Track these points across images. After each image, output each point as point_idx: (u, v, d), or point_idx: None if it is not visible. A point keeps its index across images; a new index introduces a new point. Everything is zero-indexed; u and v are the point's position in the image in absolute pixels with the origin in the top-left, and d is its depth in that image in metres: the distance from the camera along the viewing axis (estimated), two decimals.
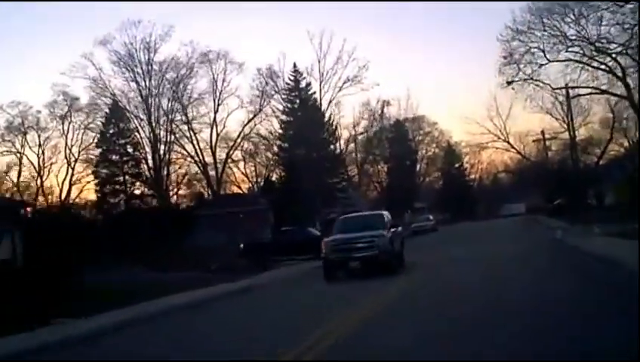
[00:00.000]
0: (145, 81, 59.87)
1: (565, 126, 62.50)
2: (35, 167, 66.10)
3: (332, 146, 63.14)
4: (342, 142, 77.43)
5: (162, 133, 59.62)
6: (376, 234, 22.61)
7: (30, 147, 65.86)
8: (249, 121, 63.84)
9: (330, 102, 65.27)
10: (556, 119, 63.25)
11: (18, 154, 65.54)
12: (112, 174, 57.07)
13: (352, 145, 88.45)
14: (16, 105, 63.82)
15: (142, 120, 59.02)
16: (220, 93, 64.15)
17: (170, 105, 59.88)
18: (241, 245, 37.73)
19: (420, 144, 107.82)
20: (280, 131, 61.72)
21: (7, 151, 64.81)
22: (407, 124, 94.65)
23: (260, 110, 63.03)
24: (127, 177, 57.34)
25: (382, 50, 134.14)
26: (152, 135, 58.13)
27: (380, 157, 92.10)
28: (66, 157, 64.83)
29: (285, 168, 56.49)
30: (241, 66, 64.19)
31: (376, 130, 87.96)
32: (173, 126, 60.55)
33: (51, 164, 66.60)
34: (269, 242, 38.41)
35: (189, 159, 63.80)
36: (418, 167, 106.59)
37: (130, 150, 57.90)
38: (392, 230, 24.41)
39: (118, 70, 60.27)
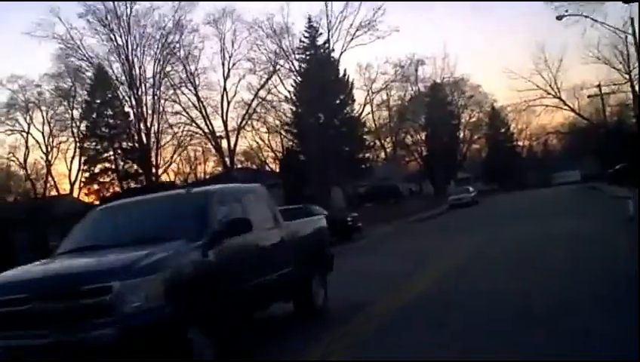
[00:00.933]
0: (124, 38, 50.91)
1: (627, 77, 53.23)
2: (42, 148, 58.85)
3: (348, 108, 54.02)
4: (368, 106, 68.46)
5: (150, 100, 51.19)
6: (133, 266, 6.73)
7: (35, 125, 58.83)
8: (262, 85, 55.26)
9: (341, 54, 54.75)
10: (616, 69, 53.83)
11: (24, 134, 58.52)
12: (101, 151, 50.05)
13: (384, 112, 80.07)
14: (15, 81, 56.44)
15: (122, 84, 50.68)
16: (230, 57, 55.97)
17: (156, 65, 51.30)
18: None
19: (463, 109, 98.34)
20: (293, 94, 52.90)
21: (10, 130, 57.76)
22: (446, 88, 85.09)
23: (274, 72, 54.49)
24: (118, 153, 50.17)
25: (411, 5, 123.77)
26: (135, 102, 49.97)
27: (418, 124, 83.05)
28: (73, 135, 57.19)
29: (297, 136, 48.40)
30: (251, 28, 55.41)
31: (412, 94, 79.01)
32: (162, 91, 51.84)
33: (60, 143, 59.10)
34: None
35: (193, 129, 55.42)
36: (461, 134, 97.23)
37: (119, 121, 50.30)
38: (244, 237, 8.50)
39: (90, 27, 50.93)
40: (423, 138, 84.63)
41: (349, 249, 25.38)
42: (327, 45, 54.24)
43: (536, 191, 68.26)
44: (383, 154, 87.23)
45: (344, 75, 52.65)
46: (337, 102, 48.97)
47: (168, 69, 52.10)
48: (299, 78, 52.47)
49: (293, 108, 52.29)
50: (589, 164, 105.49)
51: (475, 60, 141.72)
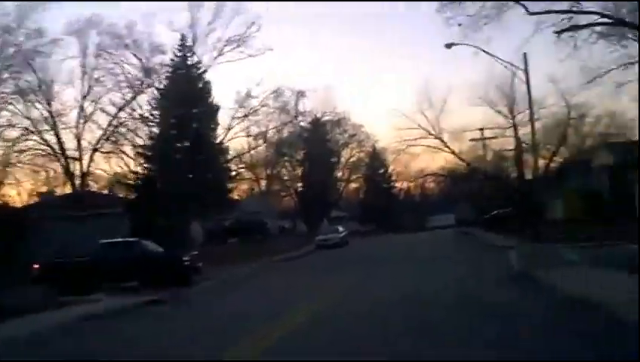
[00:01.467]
0: None
1: (511, 122, 51.50)
2: None
3: (212, 134, 48.59)
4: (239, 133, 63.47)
5: None
6: None
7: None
8: (124, 105, 49.15)
9: (205, 71, 49.61)
10: (501, 114, 51.99)
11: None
12: None
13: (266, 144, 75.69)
14: None
15: None
16: (93, 70, 49.69)
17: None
18: (35, 265, 24.26)
19: (343, 147, 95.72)
20: (155, 116, 46.85)
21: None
22: (327, 125, 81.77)
23: (138, 93, 48.54)
24: None
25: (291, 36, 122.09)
26: None
27: (295, 159, 79.16)
28: None
29: (153, 161, 42.64)
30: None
31: (291, 127, 74.98)
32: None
33: None
34: (71, 262, 24.71)
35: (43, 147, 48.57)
36: (339, 172, 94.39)
37: None
38: None
39: None
40: (300, 173, 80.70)
41: (175, 295, 20.39)
42: (198, 64, 49.23)
43: (412, 235, 65.55)
44: (256, 188, 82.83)
45: (205, 92, 47.08)
46: (198, 125, 43.40)
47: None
48: (159, 97, 46.63)
49: (153, 131, 46.25)
50: (463, 208, 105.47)
51: (361, 97, 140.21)
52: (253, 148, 75.65)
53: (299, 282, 21.13)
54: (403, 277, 20.02)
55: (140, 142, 45.84)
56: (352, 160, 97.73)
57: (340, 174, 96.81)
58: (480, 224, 69.13)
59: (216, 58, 50.59)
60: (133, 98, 48.95)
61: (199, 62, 48.84)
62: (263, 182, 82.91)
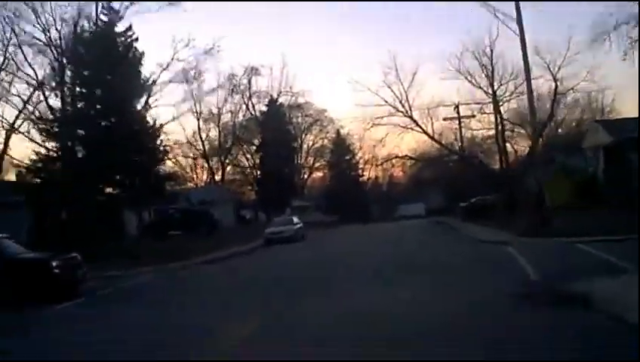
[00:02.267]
0: None
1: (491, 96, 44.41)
2: None
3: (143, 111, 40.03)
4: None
5: None
6: None
7: None
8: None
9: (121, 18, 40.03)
10: (479, 88, 44.96)
11: None
12: None
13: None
14: None
15: None
16: None
17: None
18: None
19: (306, 133, 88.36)
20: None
21: None
22: (286, 108, 74.16)
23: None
24: None
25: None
26: None
27: (252, 144, 71.69)
28: None
29: (54, 137, 34.26)
30: None
31: (246, 109, 67.49)
32: None
33: None
34: None
35: None
36: (302, 159, 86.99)
37: None
38: None
39: None
40: (257, 160, 73.08)
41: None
42: (128, 32, 41.05)
43: (380, 226, 58.23)
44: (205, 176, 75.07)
45: (134, 63, 38.55)
46: (122, 101, 34.98)
47: None
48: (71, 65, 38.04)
49: (66, 105, 37.58)
50: (434, 197, 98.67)
51: (322, 76, 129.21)
52: (205, 133, 68.37)
53: (172, 320, 13.09)
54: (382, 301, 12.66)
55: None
56: (315, 146, 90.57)
57: (302, 161, 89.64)
58: (453, 213, 62.50)
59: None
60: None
61: (129, 29, 40.57)
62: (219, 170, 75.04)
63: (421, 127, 45.22)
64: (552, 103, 43.35)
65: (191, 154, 70.98)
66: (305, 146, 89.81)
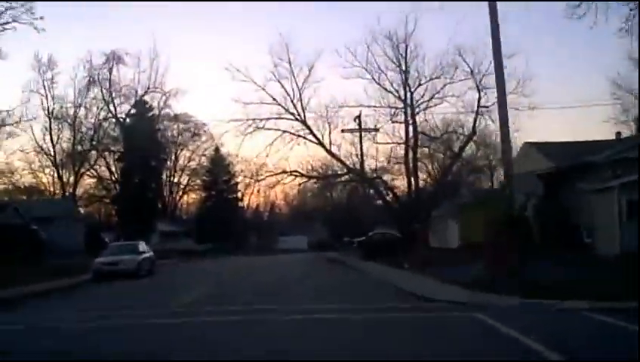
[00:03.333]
0: None
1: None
2: None
3: None
4: None
5: None
6: None
7: None
8: None
9: None
10: (389, 92, 35.62)
11: None
12: None
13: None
14: None
15: None
16: None
17: None
18: None
19: (182, 148, 76.79)
20: None
21: None
22: (156, 113, 62.18)
23: None
24: None
25: None
26: None
27: (112, 151, 59.34)
28: None
29: None
30: None
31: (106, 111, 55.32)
32: None
33: None
34: None
35: None
36: (175, 176, 75.41)
37: None
38: None
39: None
40: (117, 172, 60.59)
41: None
42: None
43: (259, 260, 47.46)
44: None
45: None
46: None
47: None
48: None
49: None
50: (319, 229, 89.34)
51: (203, 67, 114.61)
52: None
53: None
54: None
55: None
56: (191, 164, 79.04)
57: (177, 179, 77.90)
58: (340, 248, 53.18)
59: None
60: None
61: None
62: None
63: (315, 136, 35.44)
64: (474, 118, 34.69)
65: (37, 161, 57.77)
66: (180, 163, 78.32)
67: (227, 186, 74.77)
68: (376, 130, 36.51)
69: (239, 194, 78.91)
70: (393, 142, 36.11)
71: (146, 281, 25.39)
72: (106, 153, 60.27)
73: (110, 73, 56.69)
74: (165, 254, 54.10)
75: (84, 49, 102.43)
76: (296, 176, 37.26)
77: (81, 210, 73.45)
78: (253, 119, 34.87)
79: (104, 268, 26.28)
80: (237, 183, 75.86)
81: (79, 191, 65.27)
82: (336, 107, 35.78)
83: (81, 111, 57.75)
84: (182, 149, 77.10)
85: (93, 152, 58.33)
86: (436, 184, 35.43)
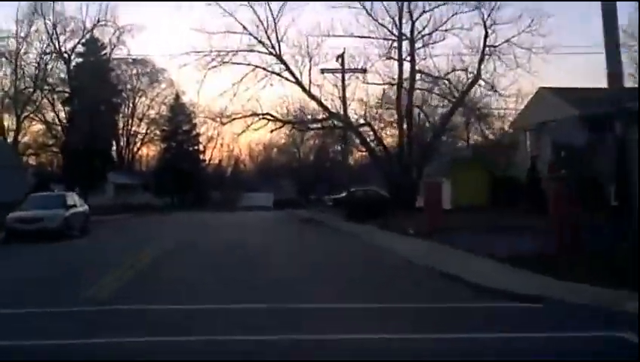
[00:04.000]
0: None
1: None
2: None
3: None
4: None
5: None
6: None
7: None
8: None
9: None
10: (381, 24, 29.41)
11: None
12: None
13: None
14: None
15: None
16: None
17: None
18: None
19: (141, 95, 69.83)
20: None
21: None
22: (110, 53, 54.70)
23: None
24: None
25: None
26: None
27: (56, 92, 52.17)
28: None
29: None
30: None
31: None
32: None
33: None
34: None
35: None
36: (132, 125, 68.72)
37: None
38: None
39: None
40: (65, 118, 53.36)
41: None
42: None
43: (220, 216, 41.37)
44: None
45: None
46: None
47: None
48: None
49: None
50: (286, 186, 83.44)
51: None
52: None
53: None
54: None
55: None
56: (150, 113, 72.12)
57: (134, 128, 71.16)
58: (309, 206, 47.34)
59: None
60: None
61: None
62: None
63: (292, 73, 29.15)
64: (480, 58, 28.80)
65: None
66: (138, 111, 71.33)
67: (188, 137, 67.86)
68: (364, 70, 30.42)
69: (201, 147, 72.17)
70: (385, 83, 30.09)
71: (72, 245, 19.27)
72: (55, 96, 52.98)
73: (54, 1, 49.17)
74: (119, 209, 47.99)
75: None
76: (268, 120, 30.79)
77: (32, 161, 66.86)
78: (219, 51, 28.54)
79: (19, 226, 20.08)
80: (199, 134, 69.20)
81: (28, 138, 58.39)
82: (319, 37, 29.48)
83: (25, 47, 50.21)
84: (140, 96, 70.12)
85: (38, 93, 50.93)
86: (432, 135, 29.54)
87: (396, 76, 29.30)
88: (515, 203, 25.50)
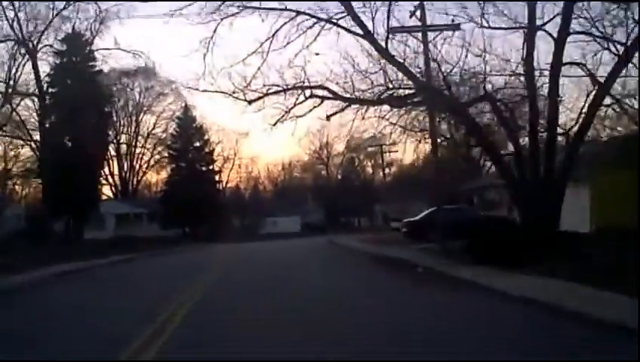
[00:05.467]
0: None
1: None
2: None
3: None
4: None
5: None
6: None
7: None
8: None
9: None
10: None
11: None
12: None
13: None
14: None
15: None
16: None
17: None
18: None
19: (146, 111, 58.93)
20: None
21: None
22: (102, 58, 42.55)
23: None
24: None
25: None
26: None
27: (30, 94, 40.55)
28: None
29: None
30: None
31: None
32: None
33: None
34: None
35: None
36: (135, 147, 57.60)
37: None
38: None
39: None
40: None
41: None
42: None
43: (239, 251, 29.11)
44: None
45: None
46: None
47: None
48: None
49: None
50: (314, 209, 71.42)
51: None
52: None
53: None
54: None
55: None
56: (157, 131, 61.00)
57: (140, 149, 60.10)
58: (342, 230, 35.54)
59: None
60: None
61: None
62: None
63: (359, 20, 16.25)
64: None
65: None
66: (143, 131, 60.19)
67: (200, 155, 55.78)
68: (457, 26, 18.27)
69: (216, 167, 60.19)
70: (510, 27, 17.17)
71: None
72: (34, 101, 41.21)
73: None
74: (117, 245, 35.62)
75: None
76: (321, 98, 17.67)
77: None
78: None
79: None
80: (213, 151, 57.39)
81: (16, 165, 46.94)
82: None
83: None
84: (145, 113, 58.95)
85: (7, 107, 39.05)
86: (579, 129, 16.60)
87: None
88: None
